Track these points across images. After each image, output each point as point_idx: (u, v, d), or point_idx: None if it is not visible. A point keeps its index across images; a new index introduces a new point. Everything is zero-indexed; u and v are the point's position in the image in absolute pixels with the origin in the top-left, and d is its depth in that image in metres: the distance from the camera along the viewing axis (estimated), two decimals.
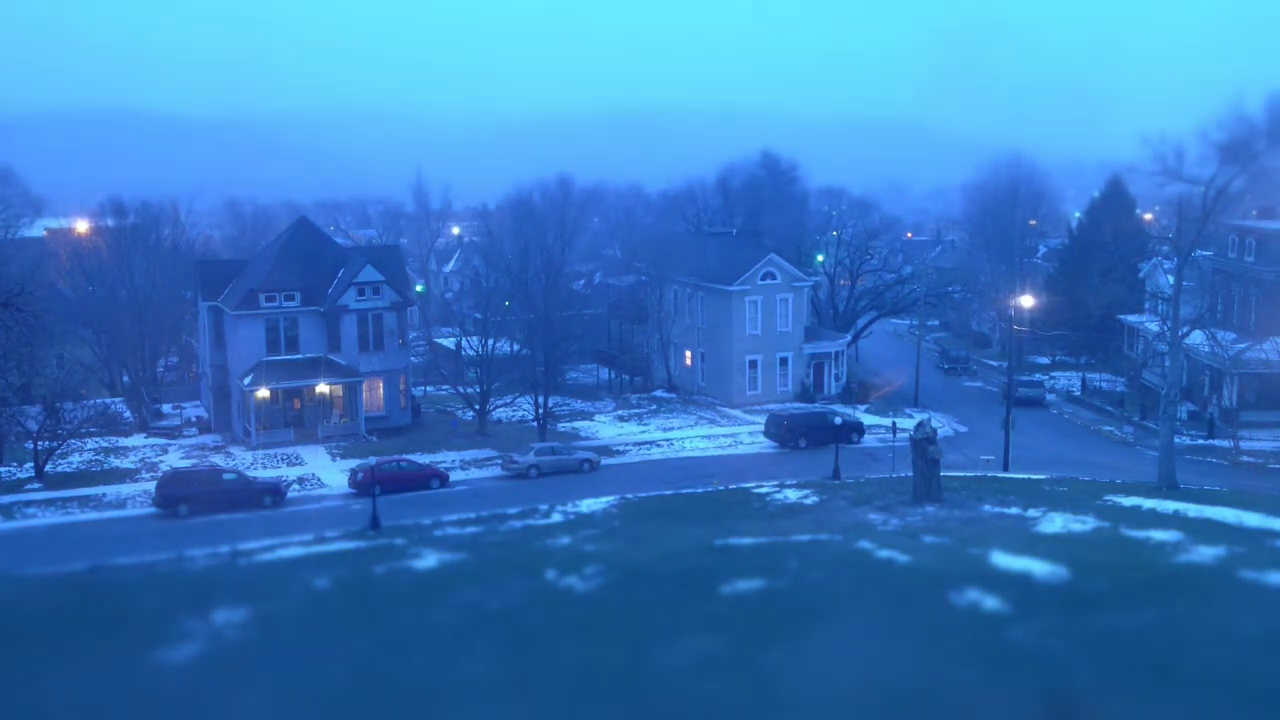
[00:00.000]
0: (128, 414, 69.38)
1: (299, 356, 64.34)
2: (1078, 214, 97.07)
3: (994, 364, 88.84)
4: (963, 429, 66.24)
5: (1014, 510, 32.70)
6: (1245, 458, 57.94)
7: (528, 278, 70.71)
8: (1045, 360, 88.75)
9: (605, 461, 56.08)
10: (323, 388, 64.22)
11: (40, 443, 54.75)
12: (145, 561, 18.17)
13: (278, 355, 63.98)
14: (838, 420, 61.26)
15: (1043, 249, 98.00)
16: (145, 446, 62.49)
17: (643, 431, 65.45)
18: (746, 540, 18.97)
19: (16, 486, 52.92)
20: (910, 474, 39.10)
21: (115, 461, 58.05)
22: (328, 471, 55.64)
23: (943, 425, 61.26)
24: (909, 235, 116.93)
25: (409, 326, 72.41)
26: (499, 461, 55.58)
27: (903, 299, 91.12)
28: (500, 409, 66.76)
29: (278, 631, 10.05)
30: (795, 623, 9.79)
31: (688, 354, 79.40)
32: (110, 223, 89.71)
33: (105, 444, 60.15)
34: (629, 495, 43.61)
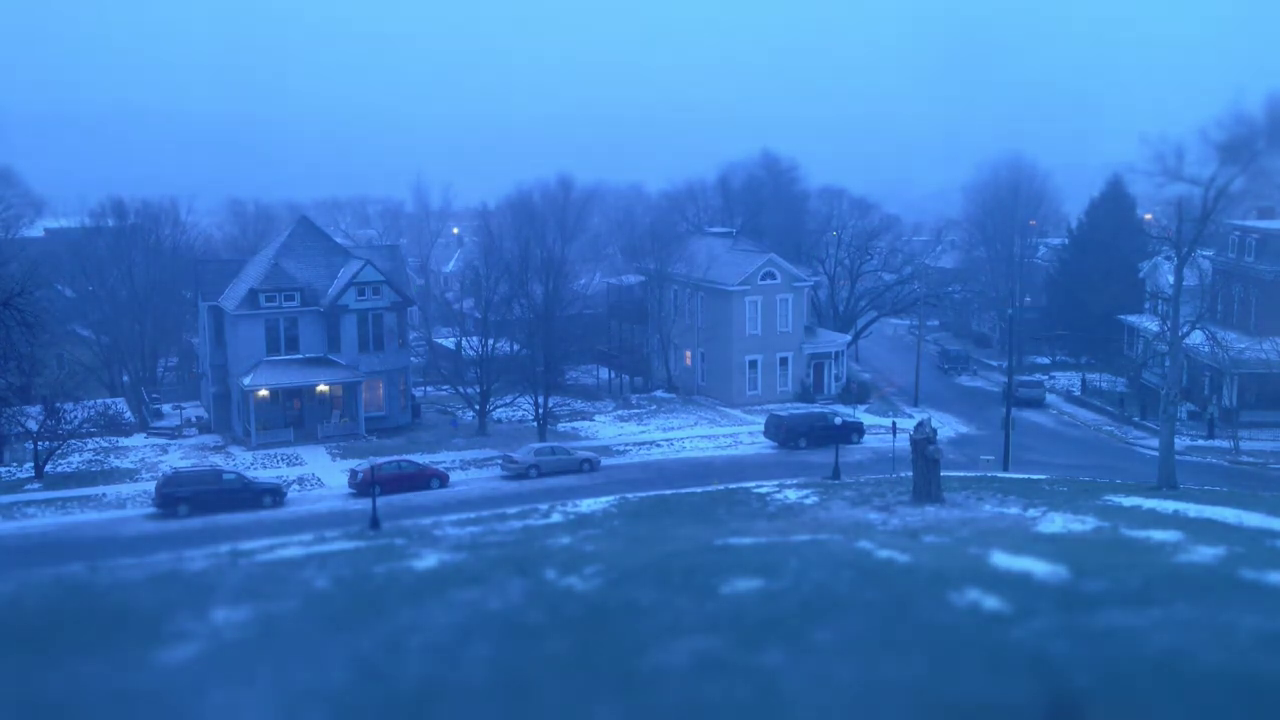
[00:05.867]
0: (128, 414, 69.35)
1: (299, 356, 64.34)
2: (1079, 215, 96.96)
3: (994, 364, 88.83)
4: (963, 429, 66.25)
5: (1014, 510, 32.69)
6: (1245, 458, 57.93)
7: (528, 277, 70.71)
8: (1045, 360, 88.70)
9: (605, 461, 56.05)
10: (323, 388, 64.23)
11: (40, 443, 54.77)
12: (145, 561, 18.17)
13: (278, 355, 63.98)
14: (838, 420, 61.26)
15: (1043, 249, 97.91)
16: (145, 446, 62.48)
17: (643, 431, 65.44)
18: (746, 540, 18.97)
19: (16, 486, 52.94)
20: (910, 474, 39.09)
21: (115, 461, 58.04)
22: (327, 472, 55.64)
23: (943, 425, 61.18)
24: (912, 237, 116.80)
25: (409, 326, 72.39)
26: (499, 461, 55.56)
27: (903, 299, 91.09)
28: (500, 409, 66.74)
29: (278, 631, 10.05)
30: (795, 623, 9.79)
31: (688, 354, 79.39)
32: (110, 223, 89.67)
33: (105, 444, 60.11)
34: (629, 495, 43.58)
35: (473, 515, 37.75)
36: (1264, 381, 62.97)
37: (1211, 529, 25.09)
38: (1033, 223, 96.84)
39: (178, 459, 58.57)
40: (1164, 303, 56.07)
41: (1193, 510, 30.65)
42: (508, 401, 66.37)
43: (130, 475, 55.40)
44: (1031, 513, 31.17)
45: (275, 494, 49.30)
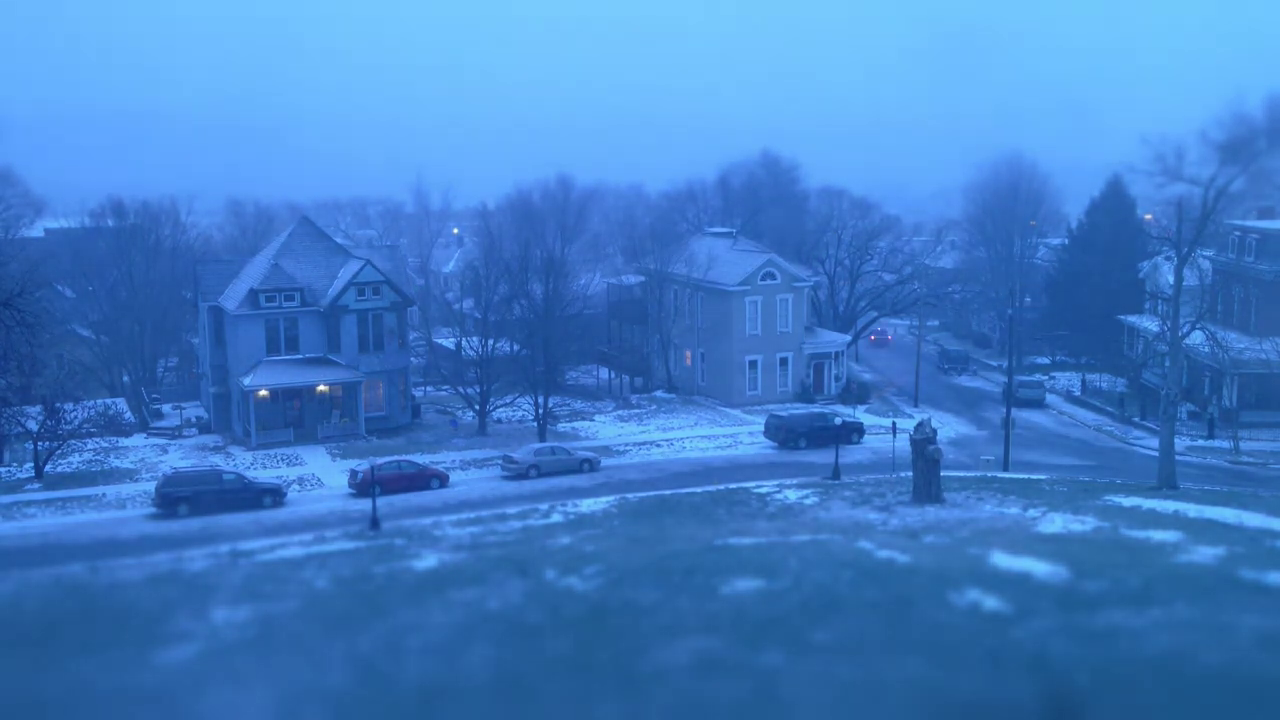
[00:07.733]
0: (128, 414, 69.33)
1: (299, 356, 64.32)
2: (1079, 215, 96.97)
3: (994, 364, 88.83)
4: (963, 429, 66.25)
5: (1014, 510, 32.69)
6: (1245, 458, 57.92)
7: (528, 277, 70.70)
8: (1045, 360, 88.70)
9: (605, 462, 56.03)
10: (323, 388, 64.21)
11: (40, 443, 54.74)
12: (145, 561, 18.17)
13: (278, 355, 63.96)
14: (838, 420, 61.24)
15: (1043, 249, 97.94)
16: (145, 447, 62.45)
17: (643, 432, 65.43)
18: (746, 540, 18.98)
19: (16, 487, 52.92)
20: (910, 474, 39.10)
21: (115, 462, 58.02)
22: (327, 472, 55.62)
23: (943, 425, 61.20)
24: (912, 237, 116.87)
25: (409, 326, 72.36)
26: (499, 462, 55.55)
27: (903, 299, 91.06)
28: (500, 409, 66.73)
29: (278, 631, 10.05)
30: (795, 623, 9.79)
31: (688, 354, 79.38)
32: (110, 223, 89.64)
33: (105, 444, 60.07)
34: (629, 495, 43.59)
35: (473, 515, 37.77)
36: (1264, 381, 62.95)
37: (1211, 529, 25.09)
38: (1033, 223, 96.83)
39: (178, 459, 58.55)
40: (1164, 303, 56.11)
41: (1193, 510, 30.65)
42: (508, 401, 66.37)
43: (130, 475, 55.38)
44: (1031, 513, 31.17)
45: (275, 494, 49.28)
